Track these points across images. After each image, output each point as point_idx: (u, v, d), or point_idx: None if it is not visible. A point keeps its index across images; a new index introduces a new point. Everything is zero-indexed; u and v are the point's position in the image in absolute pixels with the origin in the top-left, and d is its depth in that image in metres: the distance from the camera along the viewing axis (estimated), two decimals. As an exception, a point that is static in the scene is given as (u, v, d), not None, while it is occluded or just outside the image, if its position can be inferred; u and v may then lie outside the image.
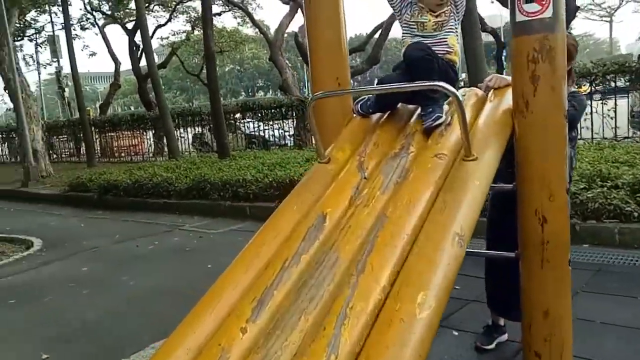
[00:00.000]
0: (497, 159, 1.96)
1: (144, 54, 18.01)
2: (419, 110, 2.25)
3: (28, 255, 6.20)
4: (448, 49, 2.24)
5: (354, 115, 2.38)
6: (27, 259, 6.04)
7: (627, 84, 8.32)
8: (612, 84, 8.24)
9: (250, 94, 66.56)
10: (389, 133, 2.22)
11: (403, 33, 2.32)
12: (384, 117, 2.32)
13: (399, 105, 2.35)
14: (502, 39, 16.89)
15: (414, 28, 2.27)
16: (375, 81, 2.41)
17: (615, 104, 8.13)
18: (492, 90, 2.31)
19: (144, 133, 16.64)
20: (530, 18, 1.94)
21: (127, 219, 7.88)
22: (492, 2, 14.31)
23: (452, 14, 2.26)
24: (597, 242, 4.47)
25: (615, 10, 41.57)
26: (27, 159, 11.45)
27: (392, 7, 2.37)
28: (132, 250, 5.97)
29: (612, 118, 8.10)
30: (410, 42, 2.27)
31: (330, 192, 1.96)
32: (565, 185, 2.04)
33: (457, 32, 2.26)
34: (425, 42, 2.24)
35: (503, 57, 15.29)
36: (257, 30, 20.29)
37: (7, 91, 11.97)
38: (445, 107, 2.21)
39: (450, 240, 1.54)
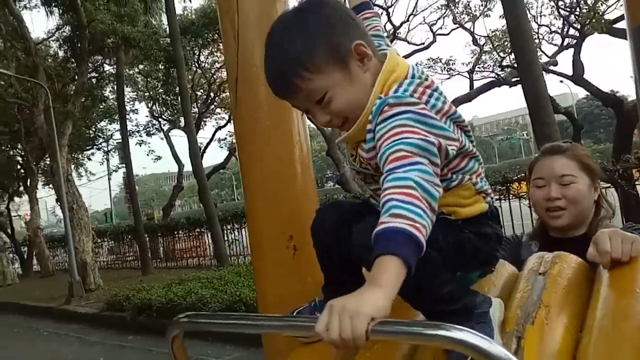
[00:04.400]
0: None
1: (203, 156, 18.17)
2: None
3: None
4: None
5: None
6: None
7: None
8: None
9: (319, 184, 67.01)
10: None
11: None
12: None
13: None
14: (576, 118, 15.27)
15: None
16: None
17: None
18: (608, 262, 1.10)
19: (202, 236, 16.08)
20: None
21: (153, 348, 6.87)
22: (562, 82, 12.96)
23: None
24: None
25: None
26: (72, 274, 10.97)
27: None
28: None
29: None
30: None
31: None
32: None
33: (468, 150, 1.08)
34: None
35: (581, 141, 13.61)
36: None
37: (59, 203, 11.81)
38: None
39: None
